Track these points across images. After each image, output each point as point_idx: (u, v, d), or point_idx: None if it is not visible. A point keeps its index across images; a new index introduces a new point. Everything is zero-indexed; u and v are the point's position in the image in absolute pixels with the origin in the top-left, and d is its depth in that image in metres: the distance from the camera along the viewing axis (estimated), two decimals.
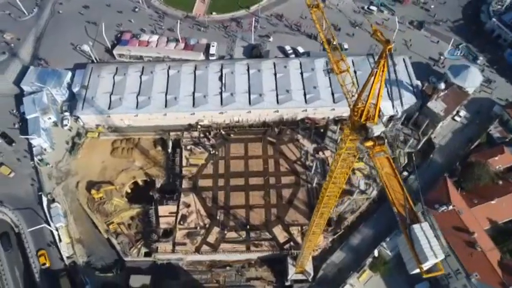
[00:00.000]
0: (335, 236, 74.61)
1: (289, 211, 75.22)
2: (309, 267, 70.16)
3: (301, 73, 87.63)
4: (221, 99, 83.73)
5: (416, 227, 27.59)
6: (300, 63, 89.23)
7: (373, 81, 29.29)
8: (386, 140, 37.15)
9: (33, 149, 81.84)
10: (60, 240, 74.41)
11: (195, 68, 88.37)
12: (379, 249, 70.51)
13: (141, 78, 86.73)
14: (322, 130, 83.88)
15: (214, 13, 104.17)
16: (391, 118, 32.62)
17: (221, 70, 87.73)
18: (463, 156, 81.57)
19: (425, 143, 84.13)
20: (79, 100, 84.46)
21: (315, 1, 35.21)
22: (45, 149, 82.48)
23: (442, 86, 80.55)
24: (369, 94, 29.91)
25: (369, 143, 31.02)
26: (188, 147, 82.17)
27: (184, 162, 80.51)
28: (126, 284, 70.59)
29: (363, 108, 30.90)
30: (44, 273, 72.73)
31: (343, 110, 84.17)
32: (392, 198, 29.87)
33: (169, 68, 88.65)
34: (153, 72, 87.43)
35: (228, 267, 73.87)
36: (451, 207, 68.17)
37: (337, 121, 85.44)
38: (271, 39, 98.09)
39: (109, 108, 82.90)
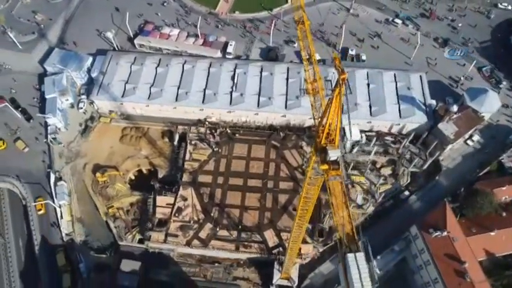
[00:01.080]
0: (325, 248, 74.38)
1: (282, 216, 75.77)
2: (295, 274, 70.62)
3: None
4: (231, 99, 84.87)
5: (350, 255, 27.87)
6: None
7: (330, 108, 29.11)
8: (350, 165, 36.76)
9: (48, 127, 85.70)
10: (61, 217, 77.94)
11: (210, 65, 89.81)
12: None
13: (156, 70, 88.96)
14: None
15: (237, 12, 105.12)
16: (356, 143, 32.74)
17: (235, 70, 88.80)
18: (470, 182, 79.50)
19: (432, 164, 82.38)
20: (96, 85, 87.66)
21: (302, 18, 35.13)
22: (59, 129, 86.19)
23: (455, 108, 78.55)
24: (327, 119, 29.89)
25: (324, 167, 31.25)
26: (193, 142, 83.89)
27: (187, 156, 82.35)
28: (117, 267, 73.22)
29: (326, 130, 31.04)
30: (43, 247, 76.47)
31: (350, 121, 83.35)
32: (337, 223, 30.09)
33: (185, 62, 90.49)
34: (168, 65, 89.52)
35: (216, 264, 75.32)
36: (445, 234, 66.79)
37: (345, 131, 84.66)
38: (296, 44, 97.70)
39: (123, 96, 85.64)
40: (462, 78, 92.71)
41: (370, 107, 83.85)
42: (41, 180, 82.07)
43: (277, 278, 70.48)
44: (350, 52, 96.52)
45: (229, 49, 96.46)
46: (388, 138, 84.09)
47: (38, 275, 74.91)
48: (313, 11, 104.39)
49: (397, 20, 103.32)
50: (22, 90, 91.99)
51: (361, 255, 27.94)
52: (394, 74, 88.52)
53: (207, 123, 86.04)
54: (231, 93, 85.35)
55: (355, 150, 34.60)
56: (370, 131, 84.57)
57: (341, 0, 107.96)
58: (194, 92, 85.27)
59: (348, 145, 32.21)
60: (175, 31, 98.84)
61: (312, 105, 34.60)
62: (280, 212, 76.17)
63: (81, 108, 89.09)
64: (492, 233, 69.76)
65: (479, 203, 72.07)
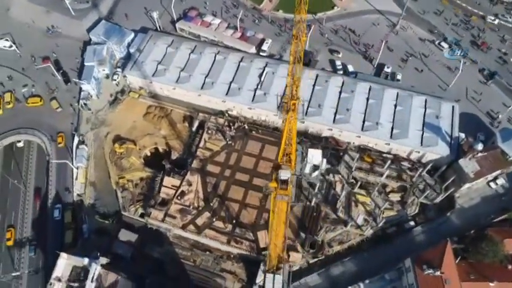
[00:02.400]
0: (315, 260, 74.04)
1: None
2: (278, 281, 70.81)
3: (340, 92, 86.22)
4: (254, 96, 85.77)
5: (269, 275, 28.06)
6: (343, 82, 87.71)
7: (284, 130, 29.30)
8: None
9: (82, 93, 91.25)
10: (76, 178, 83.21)
11: (241, 59, 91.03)
12: None
13: (189, 55, 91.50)
14: (341, 154, 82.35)
15: (280, 11, 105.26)
16: (316, 167, 32.28)
17: (264, 68, 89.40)
18: (482, 226, 75.62)
19: (446, 199, 79.06)
20: (131, 61, 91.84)
21: (301, 33, 35.24)
22: (91, 96, 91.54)
23: (479, 147, 74.61)
24: (284, 139, 30.11)
25: (273, 184, 31.56)
26: (210, 131, 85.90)
27: (201, 144, 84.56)
28: (116, 235, 77.34)
29: (282, 151, 31.30)
30: (56, 202, 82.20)
31: (368, 140, 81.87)
32: (271, 240, 30.34)
33: (218, 52, 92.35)
34: (202, 52, 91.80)
35: (207, 253, 77.26)
36: (438, 273, 64.34)
37: (361, 149, 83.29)
38: (340, 55, 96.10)
39: (153, 75, 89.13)
40: (500, 116, 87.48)
41: (392, 128, 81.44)
42: (66, 141, 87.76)
43: (260, 279, 71.12)
44: (386, 69, 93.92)
45: (265, 46, 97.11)
46: (405, 164, 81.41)
47: (46, 226, 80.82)
48: (356, 21, 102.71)
49: (443, 44, 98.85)
50: (67, 54, 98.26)
51: (279, 279, 28.14)
52: (426, 100, 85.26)
53: (226, 115, 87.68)
54: (255, 90, 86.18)
55: (315, 174, 34.19)
56: (388, 153, 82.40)
57: (389, 14, 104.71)
58: (220, 83, 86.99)
59: (308, 169, 31.93)
60: (217, 21, 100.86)
61: (283, 121, 34.68)
62: None
63: (115, 80, 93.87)
64: (491, 284, 66.16)
65: (485, 250, 68.50)
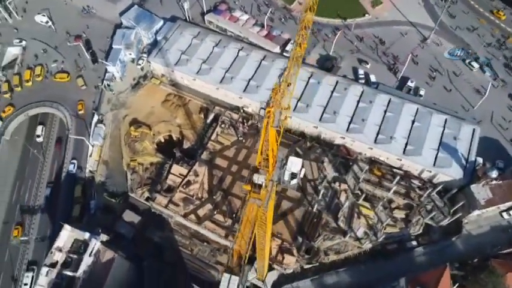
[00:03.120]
0: (309, 266, 73.94)
1: (279, 222, 76.30)
2: (269, 280, 71.51)
3: (358, 101, 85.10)
4: (270, 97, 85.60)
5: (226, 275, 28.47)
6: (362, 91, 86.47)
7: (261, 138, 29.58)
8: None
9: (106, 74, 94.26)
10: (90, 155, 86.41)
11: (263, 58, 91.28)
12: None
13: (213, 48, 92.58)
14: (350, 163, 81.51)
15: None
16: (295, 175, 32.25)
17: (285, 69, 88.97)
18: (487, 255, 73.25)
19: (453, 223, 76.97)
20: (157, 48, 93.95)
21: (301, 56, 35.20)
22: (115, 78, 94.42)
23: (493, 174, 72.02)
24: (260, 145, 30.38)
25: (247, 187, 31.94)
26: (223, 125, 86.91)
27: (213, 137, 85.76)
28: (120, 215, 80.00)
29: (259, 156, 31.66)
30: (69, 176, 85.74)
31: (380, 153, 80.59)
32: (237, 240, 30.76)
33: (241, 48, 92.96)
34: (225, 47, 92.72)
35: (205, 244, 78.64)
36: None
37: (372, 162, 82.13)
38: (368, 65, 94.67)
39: (175, 64, 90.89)
40: None
41: (406, 144, 79.76)
42: (85, 118, 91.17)
43: (252, 277, 71.86)
44: (409, 83, 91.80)
45: (289, 47, 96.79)
46: (415, 182, 79.68)
47: (57, 197, 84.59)
48: (386, 31, 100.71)
49: (474, 63, 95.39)
50: (98, 35, 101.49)
51: (235, 280, 28.52)
52: (446, 119, 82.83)
53: (241, 111, 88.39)
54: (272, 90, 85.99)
55: (293, 182, 33.93)
56: (399, 168, 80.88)
57: (421, 27, 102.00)
58: (239, 79, 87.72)
59: (287, 176, 31.99)
60: (245, 17, 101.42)
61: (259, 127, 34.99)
62: (278, 217, 76.68)
63: (140, 65, 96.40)
64: None
65: (484, 281, 66.58)
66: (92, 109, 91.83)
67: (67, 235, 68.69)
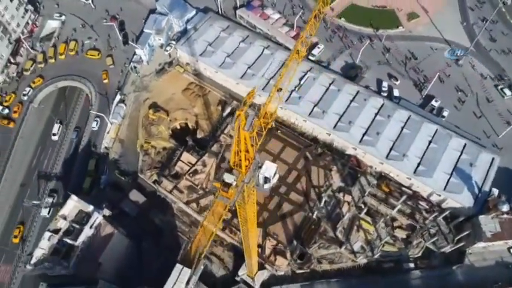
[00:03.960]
0: (301, 271, 73.90)
1: (277, 223, 76.68)
2: (258, 279, 72.19)
3: (376, 114, 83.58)
4: (288, 97, 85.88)
5: (178, 266, 29.06)
6: (382, 105, 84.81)
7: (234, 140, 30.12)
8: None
9: (134, 56, 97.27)
10: (108, 132, 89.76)
11: (286, 59, 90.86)
12: None
13: (239, 44, 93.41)
14: (358, 175, 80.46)
15: (343, 19, 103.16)
16: (268, 180, 32.41)
17: (307, 72, 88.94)
18: None
19: (456, 251, 74.64)
20: (185, 36, 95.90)
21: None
22: (142, 61, 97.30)
23: (505, 208, 69.07)
24: (234, 148, 30.88)
25: (217, 184, 32.56)
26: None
27: (226, 130, 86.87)
28: (127, 193, 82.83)
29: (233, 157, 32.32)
30: (85, 149, 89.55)
31: (391, 169, 79.05)
32: (198, 235, 31.41)
33: (267, 47, 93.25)
34: (251, 43, 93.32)
35: None
36: None
37: (381, 177, 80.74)
38: (398, 82, 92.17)
39: (200, 54, 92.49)
40: None
41: (418, 164, 77.75)
42: (109, 95, 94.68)
43: (242, 272, 72.88)
44: (433, 102, 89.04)
45: (315, 51, 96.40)
46: (423, 203, 77.66)
47: (72, 167, 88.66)
48: (417, 45, 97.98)
49: (506, 90, 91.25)
50: (132, 18, 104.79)
51: (186, 272, 29.13)
52: (465, 144, 79.98)
53: (258, 109, 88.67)
54: (291, 92, 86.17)
55: (266, 186, 33.49)
56: (408, 187, 79.07)
57: (456, 46, 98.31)
58: (259, 77, 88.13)
59: (261, 180, 32.22)
60: (276, 16, 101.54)
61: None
62: (276, 218, 77.14)
63: (167, 51, 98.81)
64: None
65: None
66: (116, 88, 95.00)
67: (73, 205, 71.94)
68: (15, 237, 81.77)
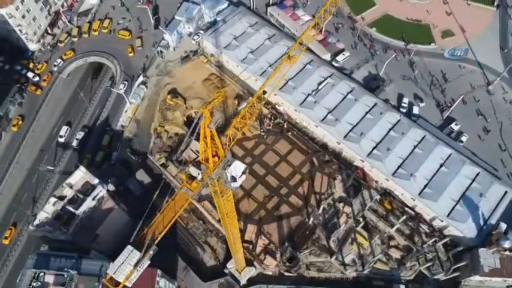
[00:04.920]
0: (289, 274, 74.14)
1: (272, 223, 77.10)
2: (245, 275, 73.12)
3: (390, 129, 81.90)
4: (304, 100, 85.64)
5: (129, 247, 30.14)
6: (398, 121, 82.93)
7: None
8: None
9: (162, 41, 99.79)
10: (126, 111, 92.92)
11: (309, 62, 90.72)
12: None
13: (264, 41, 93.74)
14: (362, 188, 79.41)
15: (374, 28, 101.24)
16: (234, 179, 32.99)
17: (326, 78, 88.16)
18: None
19: (451, 281, 72.54)
20: (213, 28, 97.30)
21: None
22: (168, 46, 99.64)
23: (507, 244, 66.20)
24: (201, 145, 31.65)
25: (182, 175, 33.50)
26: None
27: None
28: (134, 172, 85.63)
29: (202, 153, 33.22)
30: (102, 124, 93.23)
31: (396, 187, 77.49)
32: (157, 220, 32.45)
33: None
34: (276, 42, 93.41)
35: (201, 222, 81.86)
36: None
37: (385, 193, 79.37)
38: (423, 104, 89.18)
39: (225, 47, 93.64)
40: None
41: (425, 187, 75.74)
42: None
43: (231, 266, 74.01)
44: (453, 125, 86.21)
45: (340, 58, 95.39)
46: (424, 227, 75.80)
47: (88, 138, 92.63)
48: (447, 65, 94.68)
49: None
50: (167, 3, 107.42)
51: (135, 255, 30.16)
52: (478, 173, 77.08)
53: (272, 108, 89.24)
54: (308, 95, 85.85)
55: (233, 184, 33.83)
56: (411, 208, 77.32)
57: (488, 70, 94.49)
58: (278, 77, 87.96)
59: (229, 177, 33.02)
60: (306, 18, 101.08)
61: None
62: (273, 218, 77.53)
63: (194, 40, 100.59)
64: None
65: None
66: (140, 70, 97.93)
67: (80, 176, 75.21)
68: (5, 238, 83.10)
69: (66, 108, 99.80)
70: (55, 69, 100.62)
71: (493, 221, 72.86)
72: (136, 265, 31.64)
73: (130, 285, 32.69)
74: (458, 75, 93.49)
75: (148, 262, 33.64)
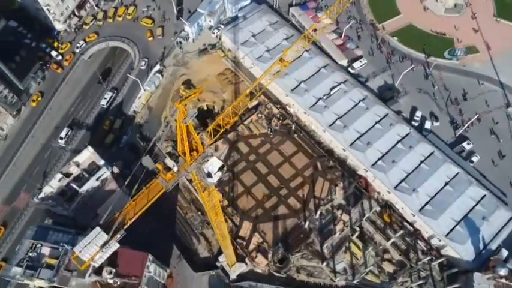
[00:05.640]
0: (278, 275, 74.45)
1: (268, 223, 77.49)
2: (235, 270, 73.96)
3: (398, 141, 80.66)
4: (314, 104, 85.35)
5: (97, 228, 31.18)
6: (407, 134, 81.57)
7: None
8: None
9: (182, 32, 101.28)
10: (139, 97, 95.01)
11: (324, 66, 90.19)
12: None
13: (282, 41, 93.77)
14: (363, 198, 78.70)
15: (395, 38, 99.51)
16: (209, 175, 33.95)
17: (340, 83, 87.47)
18: None
19: None
20: (233, 23, 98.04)
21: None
22: (188, 38, 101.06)
23: (502, 271, 64.42)
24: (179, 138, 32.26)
25: (159, 165, 34.20)
26: (260, 115, 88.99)
27: (246, 122, 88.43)
28: (140, 158, 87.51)
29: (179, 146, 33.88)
30: (117, 107, 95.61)
31: (397, 200, 76.47)
32: (129, 206, 33.31)
33: (308, 50, 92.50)
34: (294, 43, 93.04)
35: (199, 213, 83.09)
36: None
37: (386, 205, 78.49)
38: (437, 123, 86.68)
39: (242, 44, 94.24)
40: None
41: (426, 203, 74.38)
42: (151, 64, 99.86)
43: (223, 259, 74.94)
44: (465, 144, 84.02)
45: (357, 65, 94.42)
46: (421, 244, 74.58)
47: (102, 122, 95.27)
48: (466, 81, 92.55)
49: None
50: None
51: (103, 236, 31.12)
52: (484, 196, 75.09)
53: (281, 108, 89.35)
54: (318, 99, 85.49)
55: (209, 180, 34.04)
56: (410, 224, 76.17)
57: (510, 91, 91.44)
58: (291, 78, 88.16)
59: (205, 173, 33.93)
60: (327, 21, 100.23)
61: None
62: (269, 218, 77.90)
63: (214, 33, 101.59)
64: None
65: None
66: (158, 59, 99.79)
67: (87, 155, 77.69)
68: None
69: (85, 89, 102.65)
70: (77, 50, 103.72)
71: (493, 246, 70.93)
72: (102, 246, 32.81)
73: (97, 265, 33.91)
74: (477, 94, 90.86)
75: (117, 246, 34.78)
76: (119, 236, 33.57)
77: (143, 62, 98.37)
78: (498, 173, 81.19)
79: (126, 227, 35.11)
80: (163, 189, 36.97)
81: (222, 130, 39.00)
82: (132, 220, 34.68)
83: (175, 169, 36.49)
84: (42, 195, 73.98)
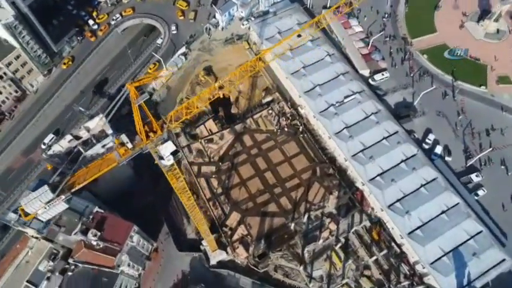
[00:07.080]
0: (256, 270, 75.62)
1: (256, 217, 78.66)
2: (215, 256, 75.96)
3: (402, 161, 78.86)
4: (325, 110, 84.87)
5: (45, 186, 33.46)
6: (413, 155, 79.56)
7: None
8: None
9: (213, 19, 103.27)
10: (160, 76, 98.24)
11: (343, 73, 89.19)
12: None
13: (307, 42, 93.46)
14: (354, 210, 77.98)
15: (425, 56, 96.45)
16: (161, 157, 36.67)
17: (355, 93, 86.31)
18: None
19: None
20: (262, 17, 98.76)
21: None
22: (217, 25, 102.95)
23: None
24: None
25: (116, 140, 35.86)
26: (270, 111, 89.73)
27: (256, 116, 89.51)
28: None
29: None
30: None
31: (389, 220, 75.25)
32: (80, 172, 35.22)
33: (331, 54, 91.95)
34: (318, 46, 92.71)
35: (195, 196, 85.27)
36: None
37: (377, 222, 77.47)
38: (449, 158, 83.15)
39: (267, 39, 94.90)
40: None
41: (417, 228, 72.65)
42: (176, 45, 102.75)
43: (206, 244, 77.03)
44: (473, 176, 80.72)
45: (378, 77, 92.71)
46: (405, 267, 73.17)
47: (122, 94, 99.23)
48: (493, 113, 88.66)
49: None
50: None
51: (48, 194, 33.43)
52: (480, 231, 72.30)
53: (292, 108, 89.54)
54: (330, 105, 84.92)
55: (162, 162, 35.02)
56: (398, 245, 74.84)
57: None
58: (308, 80, 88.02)
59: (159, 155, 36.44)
60: (357, 29, 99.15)
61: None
62: (258, 213, 78.98)
63: (243, 24, 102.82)
64: None
65: None
66: (185, 42, 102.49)
67: (98, 122, 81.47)
68: None
69: (113, 60, 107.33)
70: (113, 22, 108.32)
71: (478, 284, 68.42)
72: (47, 203, 35.24)
73: (44, 220, 36.73)
74: (498, 127, 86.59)
75: (65, 206, 37.14)
76: (63, 197, 35.95)
77: (174, 27, 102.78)
78: (503, 213, 77.47)
79: (73, 190, 37.52)
80: (115, 163, 38.96)
81: (183, 118, 40.14)
82: (80, 186, 36.92)
83: (129, 145, 38.36)
84: (50, 152, 78.45)
